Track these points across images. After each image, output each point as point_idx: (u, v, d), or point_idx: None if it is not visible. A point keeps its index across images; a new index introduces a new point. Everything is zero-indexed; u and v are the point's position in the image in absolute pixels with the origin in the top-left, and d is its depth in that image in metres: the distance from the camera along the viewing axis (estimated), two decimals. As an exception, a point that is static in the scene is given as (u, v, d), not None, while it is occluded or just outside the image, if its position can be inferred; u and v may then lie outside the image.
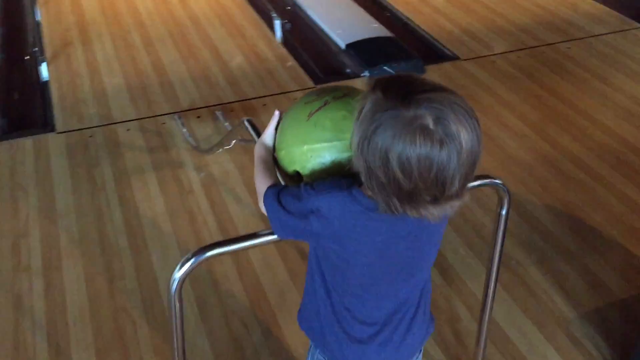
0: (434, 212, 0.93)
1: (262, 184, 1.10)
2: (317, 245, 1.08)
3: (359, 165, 0.93)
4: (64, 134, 2.72)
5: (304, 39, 3.59)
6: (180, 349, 1.23)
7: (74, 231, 2.22)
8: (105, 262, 2.10)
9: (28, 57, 3.32)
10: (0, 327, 1.88)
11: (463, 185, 0.91)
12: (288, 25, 3.57)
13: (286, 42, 3.51)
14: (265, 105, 2.93)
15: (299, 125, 1.09)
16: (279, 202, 1.05)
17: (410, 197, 0.90)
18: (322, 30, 3.55)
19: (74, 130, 2.73)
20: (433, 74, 3.21)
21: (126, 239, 2.19)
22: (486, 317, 1.58)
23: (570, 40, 3.54)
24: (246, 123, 1.57)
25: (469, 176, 0.91)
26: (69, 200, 2.35)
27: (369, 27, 3.53)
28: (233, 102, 2.94)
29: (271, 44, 3.49)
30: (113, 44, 3.43)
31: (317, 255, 1.10)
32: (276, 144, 1.16)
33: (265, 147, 1.19)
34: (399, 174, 0.88)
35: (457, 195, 0.92)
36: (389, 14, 3.91)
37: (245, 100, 2.98)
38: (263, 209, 1.08)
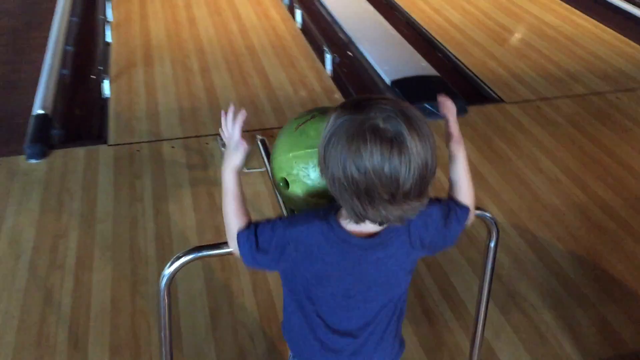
0: (393, 212, 0.99)
1: (233, 223, 1.14)
2: (292, 268, 1.15)
3: (326, 175, 1.01)
4: (115, 146, 2.91)
5: (353, 73, 3.71)
6: (167, 339, 1.32)
7: (108, 236, 2.37)
8: (132, 267, 2.24)
9: (94, 75, 3.58)
10: (29, 317, 2.04)
11: (419, 185, 0.97)
12: (337, 59, 3.68)
13: (335, 75, 3.64)
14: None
15: (288, 136, 1.19)
16: (256, 244, 1.11)
17: (368, 196, 0.97)
18: (370, 65, 3.66)
19: (124, 144, 2.93)
20: (475, 115, 3.25)
21: (154, 248, 2.32)
22: (476, 346, 1.60)
23: (621, 90, 3.50)
24: (259, 142, 1.68)
25: (424, 176, 0.97)
26: (109, 207, 2.52)
27: (417, 66, 3.61)
28: (274, 128, 3.07)
29: (320, 76, 3.62)
30: (172, 67, 3.65)
31: (288, 272, 1.17)
32: (270, 157, 1.26)
33: (233, 169, 1.16)
34: (355, 173, 0.95)
35: (415, 195, 0.98)
36: (440, 55, 3.99)
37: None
38: (233, 246, 1.14)
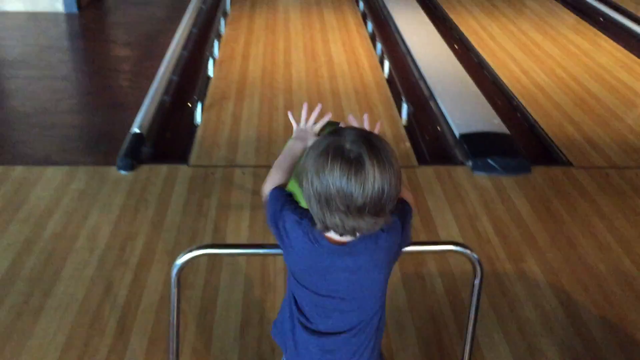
0: (348, 223, 1.16)
1: (276, 176, 1.40)
2: (287, 257, 1.35)
3: (300, 183, 1.20)
4: (194, 167, 3.23)
5: (426, 123, 3.86)
6: (175, 327, 1.54)
7: (170, 243, 2.66)
8: (183, 273, 2.49)
9: (190, 103, 3.97)
10: (89, 302, 2.33)
11: (374, 206, 1.14)
12: (412, 109, 3.85)
13: (409, 124, 3.81)
14: (366, 174, 3.23)
15: None
16: (274, 208, 1.33)
17: (327, 205, 1.14)
18: (444, 118, 3.79)
19: (201, 166, 3.25)
20: (539, 175, 3.28)
21: (206, 260, 2.57)
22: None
23: (700, 166, 3.40)
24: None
25: (379, 199, 1.13)
26: (176, 219, 2.81)
27: (489, 122, 3.70)
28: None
29: (395, 123, 3.80)
30: (260, 103, 3.98)
31: (286, 260, 1.36)
32: None
33: (301, 144, 1.46)
34: (318, 184, 1.14)
35: (370, 213, 1.14)
36: (519, 114, 4.05)
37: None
38: (266, 190, 1.37)
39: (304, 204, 1.27)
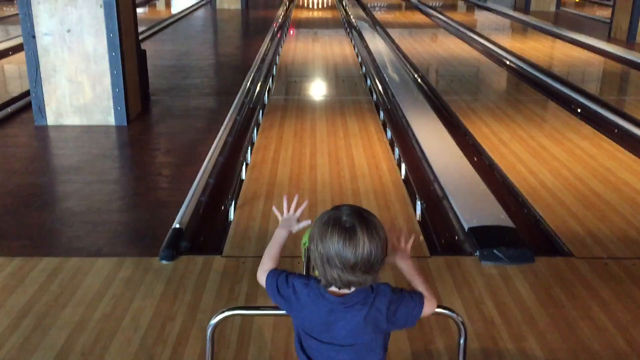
0: (344, 278, 1.52)
1: (267, 263, 1.77)
2: (295, 317, 1.69)
3: (310, 247, 1.57)
4: (226, 257, 3.61)
5: (438, 218, 4.21)
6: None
7: (204, 323, 2.97)
8: (217, 348, 2.81)
9: (224, 203, 4.42)
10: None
11: (365, 265, 1.49)
12: (424, 205, 4.23)
13: (422, 219, 4.17)
14: (382, 263, 3.56)
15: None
16: (277, 288, 1.70)
17: (329, 263, 1.50)
18: (454, 213, 4.14)
19: (233, 256, 3.62)
20: (542, 264, 3.57)
21: (237, 334, 2.88)
22: None
23: (694, 256, 3.64)
24: (305, 248, 2.25)
25: (368, 259, 1.49)
26: (210, 302, 3.16)
27: (496, 217, 4.04)
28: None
29: (410, 219, 4.17)
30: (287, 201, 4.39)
31: (294, 320, 1.70)
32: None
33: (286, 231, 1.84)
34: (321, 247, 1.50)
35: (362, 271, 1.50)
36: (525, 210, 4.38)
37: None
38: (262, 280, 1.73)
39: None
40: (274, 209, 1.94)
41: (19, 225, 4.10)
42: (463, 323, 1.85)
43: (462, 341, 1.84)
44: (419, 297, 1.68)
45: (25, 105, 6.77)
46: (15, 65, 9.38)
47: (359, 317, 1.60)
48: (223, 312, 1.81)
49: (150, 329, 2.95)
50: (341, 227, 1.51)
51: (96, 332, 2.92)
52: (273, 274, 1.72)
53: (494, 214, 4.09)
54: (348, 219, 1.53)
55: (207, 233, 4.05)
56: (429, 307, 1.69)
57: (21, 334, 2.89)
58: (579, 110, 6.96)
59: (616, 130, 6.15)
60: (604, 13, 15.98)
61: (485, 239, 3.73)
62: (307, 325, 1.67)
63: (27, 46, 6.04)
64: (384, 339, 1.69)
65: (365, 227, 1.52)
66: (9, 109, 6.64)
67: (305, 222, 1.86)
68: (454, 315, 1.84)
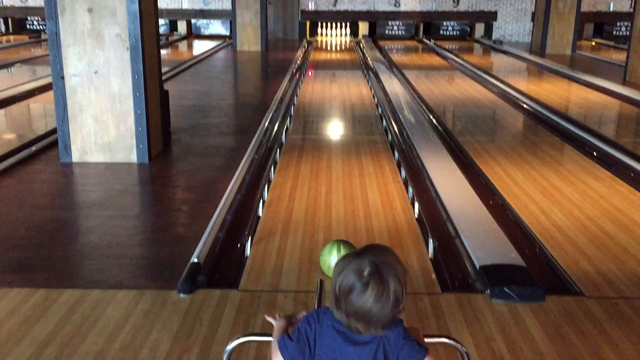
0: (356, 325, 1.62)
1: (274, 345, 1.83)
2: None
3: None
4: (242, 292, 3.71)
5: (450, 256, 4.29)
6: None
7: (220, 353, 3.07)
8: (230, 378, 2.89)
9: (241, 239, 4.54)
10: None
11: (366, 321, 1.60)
12: (436, 243, 4.32)
13: (435, 257, 4.25)
14: (394, 299, 3.63)
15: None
16: (284, 342, 1.79)
17: (337, 302, 1.62)
18: (466, 251, 4.22)
19: (249, 290, 3.72)
20: (552, 303, 3.62)
21: (251, 368, 2.97)
22: None
23: None
24: (318, 282, 2.35)
25: (370, 319, 1.60)
26: (226, 334, 3.25)
27: (507, 256, 4.11)
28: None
29: (423, 257, 4.25)
30: (302, 238, 4.51)
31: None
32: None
33: (285, 320, 1.91)
34: (336, 285, 1.61)
35: (363, 323, 1.61)
36: (537, 250, 4.44)
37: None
38: (275, 355, 1.79)
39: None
40: (266, 317, 2.00)
41: (44, 258, 4.24)
42: (467, 353, 1.93)
43: (465, 370, 1.92)
44: (425, 350, 1.75)
45: (50, 143, 7.02)
46: (40, 104, 9.71)
47: (371, 352, 1.70)
48: (239, 337, 1.91)
49: (167, 360, 3.05)
50: (361, 278, 1.61)
51: (115, 362, 3.02)
52: (284, 339, 1.79)
53: (506, 253, 4.16)
54: (371, 270, 1.62)
55: (224, 268, 4.16)
56: None
57: (44, 361, 3.01)
58: (594, 153, 7.03)
59: (632, 174, 6.20)
60: (619, 56, 16.12)
61: (497, 277, 3.80)
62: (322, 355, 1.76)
63: (56, 86, 6.30)
64: None
65: (387, 278, 1.62)
66: (33, 147, 6.87)
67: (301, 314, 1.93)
68: (458, 345, 1.93)
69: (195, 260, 3.99)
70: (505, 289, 3.67)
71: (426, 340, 1.83)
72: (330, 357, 1.72)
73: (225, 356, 1.92)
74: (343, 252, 3.68)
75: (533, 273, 3.93)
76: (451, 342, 1.91)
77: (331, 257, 3.80)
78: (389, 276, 1.62)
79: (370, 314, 1.59)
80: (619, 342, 3.25)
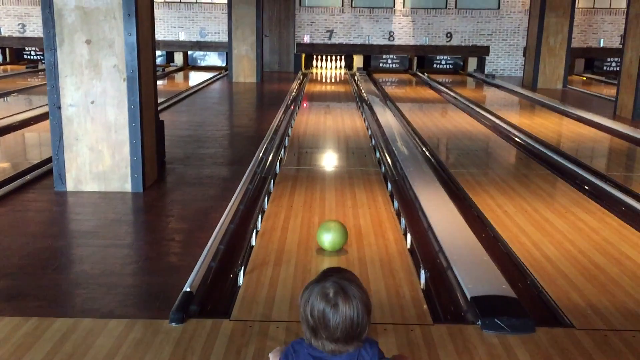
0: (328, 346, 1.67)
1: None
2: None
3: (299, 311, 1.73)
4: (234, 321, 3.71)
5: (441, 287, 4.31)
6: None
7: (210, 384, 3.08)
8: (221, 408, 2.89)
9: (234, 268, 4.55)
10: None
11: (346, 337, 1.64)
12: (428, 274, 4.34)
13: (427, 288, 4.27)
14: (385, 330, 3.64)
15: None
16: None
17: (313, 332, 1.66)
18: (457, 282, 4.24)
19: (241, 320, 3.73)
20: (543, 334, 3.63)
21: (242, 398, 2.97)
22: None
23: (694, 329, 3.69)
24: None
25: (352, 331, 1.64)
26: (217, 364, 3.25)
27: (498, 287, 4.13)
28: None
29: (414, 287, 4.26)
30: (295, 267, 4.53)
31: None
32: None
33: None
34: (308, 316, 1.66)
35: (343, 341, 1.65)
36: (529, 282, 4.47)
37: (373, 324, 3.72)
38: None
39: None
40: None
41: (36, 286, 4.24)
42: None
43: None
44: None
45: (45, 172, 7.05)
46: (35, 133, 9.76)
47: None
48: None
49: (158, 389, 3.04)
50: (327, 302, 1.73)
51: (106, 391, 3.01)
52: None
53: (497, 284, 4.19)
54: (336, 293, 1.73)
55: (216, 297, 4.17)
56: None
57: (34, 390, 3.00)
58: (585, 187, 7.10)
59: (622, 207, 6.27)
60: (609, 91, 16.36)
61: (488, 308, 3.82)
62: None
63: (52, 116, 6.36)
64: None
65: (352, 300, 1.70)
66: (28, 176, 6.90)
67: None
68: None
69: (188, 289, 4.00)
70: (496, 320, 3.68)
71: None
72: None
73: (216, 384, 1.93)
74: (332, 227, 4.86)
75: (524, 304, 3.96)
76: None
77: (323, 236, 4.78)
78: (352, 288, 1.75)
79: (353, 325, 1.67)
80: (609, 374, 3.26)
